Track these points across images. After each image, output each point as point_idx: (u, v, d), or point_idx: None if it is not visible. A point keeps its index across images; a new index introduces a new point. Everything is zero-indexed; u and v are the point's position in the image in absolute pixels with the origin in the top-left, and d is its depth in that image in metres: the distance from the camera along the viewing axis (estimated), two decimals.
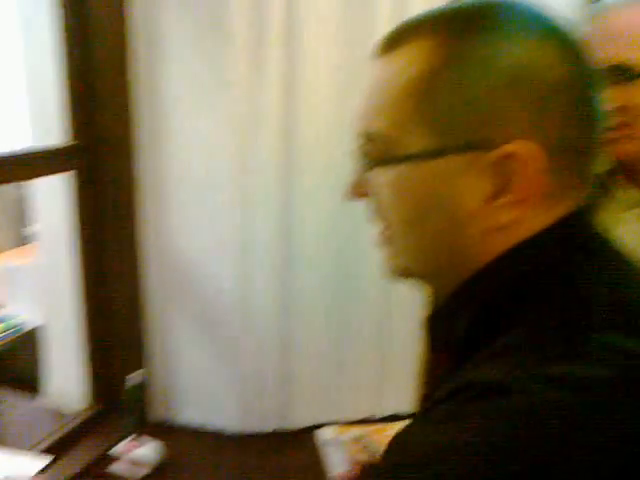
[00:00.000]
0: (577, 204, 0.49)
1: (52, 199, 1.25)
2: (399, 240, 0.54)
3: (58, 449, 1.17)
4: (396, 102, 0.49)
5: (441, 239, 0.51)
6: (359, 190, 0.55)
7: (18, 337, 2.01)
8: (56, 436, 1.19)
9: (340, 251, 1.23)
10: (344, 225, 1.21)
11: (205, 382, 1.28)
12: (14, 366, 1.82)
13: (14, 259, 2.38)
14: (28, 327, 2.03)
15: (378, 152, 0.51)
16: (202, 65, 1.12)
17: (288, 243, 1.20)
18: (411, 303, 1.22)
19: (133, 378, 1.15)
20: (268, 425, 1.28)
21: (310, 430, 1.28)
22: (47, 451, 1.15)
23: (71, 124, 1.13)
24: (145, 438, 1.19)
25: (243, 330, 1.23)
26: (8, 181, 1.12)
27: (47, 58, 1.12)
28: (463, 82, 0.46)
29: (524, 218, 0.47)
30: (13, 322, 2.09)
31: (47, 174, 1.13)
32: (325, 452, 1.20)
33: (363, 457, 1.18)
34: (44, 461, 1.11)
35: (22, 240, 3.09)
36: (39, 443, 1.16)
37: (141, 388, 1.17)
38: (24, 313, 2.08)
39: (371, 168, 0.52)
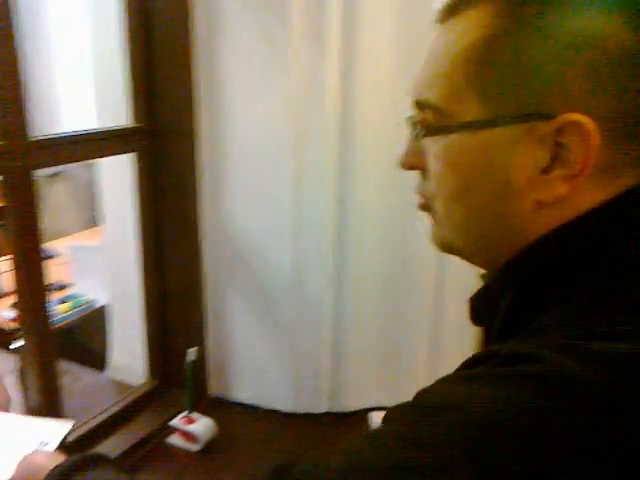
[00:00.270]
0: (635, 182, 0.46)
1: (117, 182, 1.30)
2: (446, 213, 0.52)
3: (118, 420, 1.22)
4: (451, 70, 0.48)
5: (489, 212, 0.49)
6: (410, 160, 0.55)
7: (86, 314, 2.10)
8: (117, 408, 1.23)
9: (396, 233, 1.21)
10: (401, 206, 1.19)
11: (260, 361, 1.29)
12: (82, 341, 1.91)
13: (84, 240, 2.48)
14: (96, 305, 2.11)
15: (431, 121, 0.50)
16: (261, 47, 1.13)
17: (343, 225, 1.19)
18: (466, 288, 1.19)
19: (190, 355, 1.18)
20: (320, 406, 1.29)
21: (361, 413, 1.28)
22: (108, 422, 1.20)
23: (135, 106, 1.16)
24: (200, 414, 1.22)
25: (297, 311, 1.24)
26: (75, 159, 1.17)
27: (113, 42, 1.15)
28: (521, 51, 0.45)
29: (577, 193, 0.46)
30: (82, 300, 2.19)
31: (110, 154, 1.17)
32: None
33: None
34: (68, 427, 1.15)
35: (93, 222, 3.23)
36: (101, 414, 1.20)
37: (197, 365, 1.20)
38: (92, 292, 2.18)
39: (423, 137, 0.51)
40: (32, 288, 1.01)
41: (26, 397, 1.06)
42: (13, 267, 1.00)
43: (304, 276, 1.21)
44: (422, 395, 0.45)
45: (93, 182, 2.17)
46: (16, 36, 0.89)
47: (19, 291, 1.01)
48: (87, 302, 2.17)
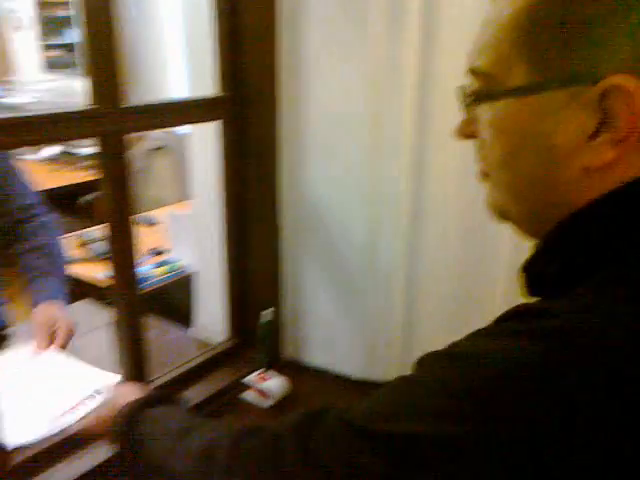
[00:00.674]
0: None
1: (204, 152, 1.37)
2: (497, 179, 0.54)
3: (198, 373, 1.30)
4: (500, 36, 0.49)
5: (537, 179, 0.50)
6: (465, 130, 0.57)
7: (180, 278, 2.23)
8: (197, 362, 1.31)
9: (474, 205, 1.20)
10: (475, 178, 1.17)
11: (332, 328, 1.33)
12: (173, 302, 2.02)
13: (182, 210, 2.61)
14: (189, 271, 2.24)
15: (482, 88, 0.52)
16: (342, 18, 1.14)
17: (419, 195, 1.19)
18: None
19: (265, 315, 1.23)
20: (391, 375, 1.30)
21: None
22: (188, 374, 1.28)
23: (221, 76, 1.21)
24: (274, 373, 1.27)
25: (371, 279, 1.26)
26: (166, 125, 1.25)
27: (203, 15, 1.20)
28: (568, 14, 0.45)
29: (625, 159, 0.45)
30: (176, 265, 2.32)
31: (197, 122, 1.25)
32: None
33: None
34: (117, 379, 1.24)
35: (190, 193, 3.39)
36: (182, 366, 1.29)
37: (272, 326, 1.25)
38: (186, 258, 2.30)
39: (475, 105, 0.54)
40: (123, 253, 1.09)
41: (117, 347, 1.15)
42: (108, 233, 1.08)
43: (378, 245, 1.23)
44: (452, 346, 0.48)
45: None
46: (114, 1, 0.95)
47: (112, 255, 1.09)
48: (181, 267, 2.30)
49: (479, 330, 0.47)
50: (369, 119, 1.16)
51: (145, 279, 2.11)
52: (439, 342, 1.32)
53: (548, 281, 0.51)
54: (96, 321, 1.63)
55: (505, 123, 0.50)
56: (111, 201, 1.04)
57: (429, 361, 0.48)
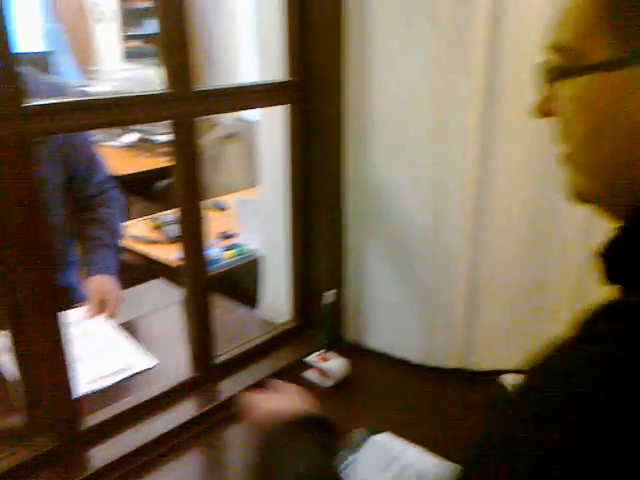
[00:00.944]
0: None
1: (271, 138, 1.40)
2: (578, 158, 0.52)
3: (261, 352, 1.34)
4: (581, 11, 0.48)
5: (620, 156, 0.48)
6: (544, 107, 0.55)
7: (247, 262, 2.29)
8: (260, 340, 1.35)
9: (542, 190, 1.17)
10: (548, 164, 1.15)
11: (394, 311, 1.34)
12: (240, 284, 2.08)
13: (248, 195, 2.67)
14: (256, 255, 2.29)
15: (563, 64, 0.51)
16: (410, 1, 1.14)
17: (484, 179, 1.18)
18: None
19: (328, 297, 1.25)
20: (451, 361, 1.30)
21: (492, 374, 1.27)
22: (251, 352, 1.32)
23: (289, 61, 1.24)
24: (334, 354, 1.30)
25: (434, 265, 1.25)
26: (234, 109, 1.30)
27: (273, 1, 1.23)
28: None
29: None
30: (244, 249, 2.38)
31: (264, 105, 1.29)
32: None
33: None
34: (152, 363, 1.35)
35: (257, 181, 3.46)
36: (246, 343, 1.33)
37: (334, 308, 1.27)
38: (254, 242, 2.36)
39: (555, 81, 0.52)
40: (194, 236, 1.14)
41: (186, 324, 1.21)
42: (180, 216, 1.13)
43: (442, 230, 1.23)
44: (549, 358, 0.45)
45: None
46: None
47: (183, 237, 1.14)
48: (248, 251, 2.36)
49: (575, 337, 0.44)
50: (435, 103, 1.16)
51: (214, 262, 2.18)
52: (502, 330, 1.32)
53: (631, 267, 0.47)
54: (167, 299, 1.71)
55: (587, 100, 0.49)
56: (183, 184, 1.09)
57: (534, 379, 0.44)
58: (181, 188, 1.09)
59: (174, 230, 2.60)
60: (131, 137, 4.48)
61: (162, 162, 4.20)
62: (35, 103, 0.85)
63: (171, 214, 2.72)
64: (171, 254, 2.46)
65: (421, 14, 1.13)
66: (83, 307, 1.57)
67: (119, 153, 4.41)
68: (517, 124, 1.14)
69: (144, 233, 2.60)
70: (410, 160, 1.22)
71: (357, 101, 1.25)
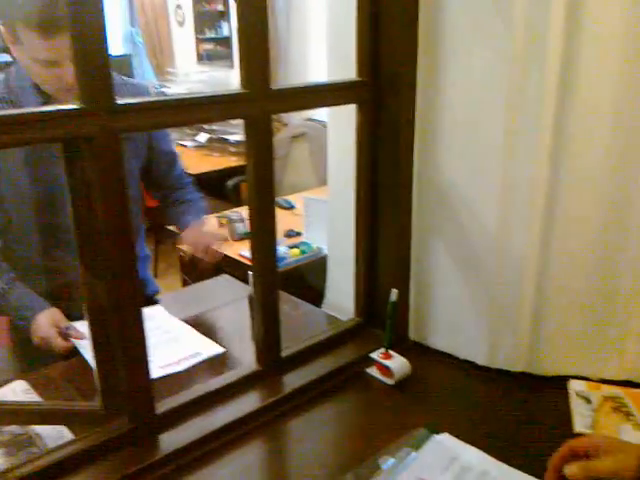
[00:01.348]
0: None
1: (340, 137, 1.42)
2: None
3: (325, 347, 1.36)
4: None
5: None
6: None
7: (312, 260, 2.33)
8: (325, 336, 1.38)
9: (615, 190, 1.14)
10: (621, 163, 1.12)
11: (458, 312, 1.33)
12: (307, 281, 2.12)
13: (318, 195, 2.71)
14: (322, 253, 2.33)
15: None
16: (486, 2, 1.14)
17: (556, 183, 1.16)
18: None
19: (392, 295, 1.26)
20: (516, 364, 1.29)
21: (559, 380, 1.25)
22: (316, 347, 1.35)
23: (360, 61, 1.26)
24: (397, 352, 1.31)
25: (500, 265, 1.24)
26: (306, 107, 1.34)
27: (347, 4, 1.25)
28: None
29: None
30: (310, 247, 2.42)
31: (335, 104, 1.31)
32: (573, 404, 1.17)
33: (614, 419, 1.12)
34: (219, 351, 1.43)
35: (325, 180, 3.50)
36: (311, 338, 1.36)
37: (397, 306, 1.28)
38: (320, 241, 2.39)
39: None
40: (265, 233, 1.17)
41: (254, 319, 1.25)
42: (251, 213, 1.16)
43: (510, 232, 1.21)
44: None
45: None
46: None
47: (254, 234, 1.17)
48: (314, 250, 2.39)
49: None
50: (507, 103, 1.15)
51: (281, 259, 2.23)
52: (570, 335, 1.29)
53: None
54: (233, 294, 1.77)
55: None
56: (256, 182, 1.12)
57: None
58: (254, 186, 1.12)
59: (241, 227, 2.68)
60: (204, 137, 4.62)
61: (231, 161, 4.33)
62: (124, 101, 0.90)
63: (238, 212, 2.80)
64: (238, 251, 2.53)
65: (495, 12, 1.12)
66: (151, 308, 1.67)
67: (191, 152, 4.55)
68: (593, 122, 1.12)
69: (212, 230, 2.68)
70: (479, 160, 1.22)
71: (427, 101, 1.25)
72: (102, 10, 0.84)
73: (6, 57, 5.76)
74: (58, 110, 0.86)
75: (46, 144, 1.38)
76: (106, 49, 0.86)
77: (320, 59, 4.10)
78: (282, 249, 2.34)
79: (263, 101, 1.08)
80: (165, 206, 1.83)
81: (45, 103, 1.43)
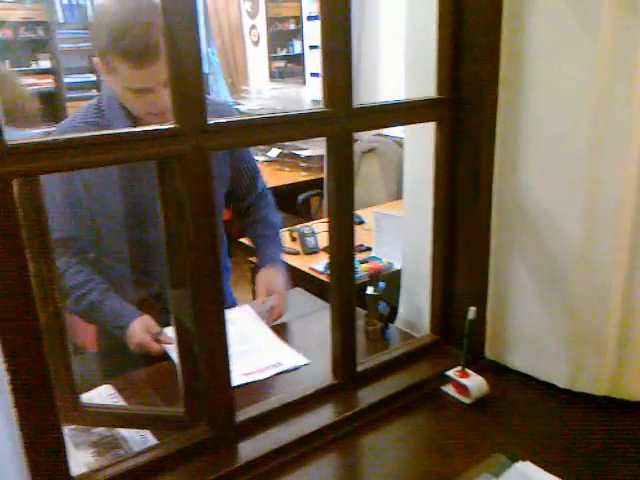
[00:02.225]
0: None
1: (417, 153, 1.42)
2: None
3: (399, 363, 1.36)
4: None
5: None
6: None
7: (384, 275, 2.32)
8: (399, 352, 1.38)
9: None
10: None
11: (538, 332, 1.30)
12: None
13: (388, 210, 2.72)
14: (392, 268, 2.32)
15: None
16: (571, 17, 1.12)
17: None
18: None
19: (469, 313, 1.25)
20: (599, 389, 1.24)
21: None
22: (390, 363, 1.35)
23: (439, 79, 1.26)
24: (473, 371, 1.29)
25: (584, 286, 1.21)
26: (386, 125, 1.38)
27: (428, 19, 1.26)
28: None
29: None
30: (381, 262, 2.41)
31: (415, 122, 1.31)
32: None
33: None
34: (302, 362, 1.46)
35: (397, 195, 3.50)
36: (385, 354, 1.36)
37: (475, 325, 1.27)
38: (390, 256, 2.39)
39: None
40: (343, 247, 1.19)
41: (331, 332, 1.26)
42: (329, 228, 1.19)
43: (595, 248, 1.18)
44: None
45: (401, 159, 2.35)
46: (349, 21, 1.05)
47: (332, 249, 1.20)
48: (385, 265, 2.39)
49: None
50: (593, 117, 1.12)
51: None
52: None
53: None
54: (306, 307, 1.79)
55: None
56: (336, 198, 1.14)
57: None
58: (334, 201, 1.14)
59: (312, 242, 2.71)
60: (274, 152, 4.73)
61: (302, 176, 4.40)
62: (214, 121, 0.94)
63: (309, 226, 2.84)
64: (308, 264, 2.56)
65: (582, 26, 1.10)
66: (237, 309, 1.71)
67: (263, 167, 4.66)
68: None
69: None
70: (563, 177, 1.19)
71: (508, 117, 1.24)
72: (198, 34, 0.89)
73: (92, 77, 6.09)
74: (155, 130, 0.91)
75: (137, 163, 1.46)
76: (201, 72, 0.90)
77: (391, 75, 4.13)
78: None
79: (345, 119, 1.10)
80: (245, 223, 1.88)
81: (134, 127, 1.49)
